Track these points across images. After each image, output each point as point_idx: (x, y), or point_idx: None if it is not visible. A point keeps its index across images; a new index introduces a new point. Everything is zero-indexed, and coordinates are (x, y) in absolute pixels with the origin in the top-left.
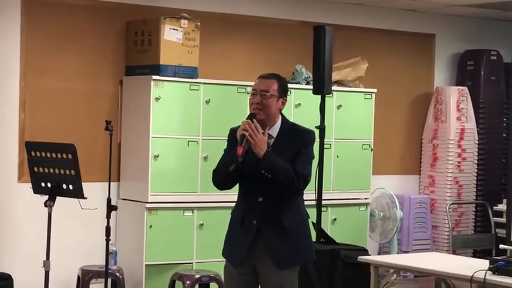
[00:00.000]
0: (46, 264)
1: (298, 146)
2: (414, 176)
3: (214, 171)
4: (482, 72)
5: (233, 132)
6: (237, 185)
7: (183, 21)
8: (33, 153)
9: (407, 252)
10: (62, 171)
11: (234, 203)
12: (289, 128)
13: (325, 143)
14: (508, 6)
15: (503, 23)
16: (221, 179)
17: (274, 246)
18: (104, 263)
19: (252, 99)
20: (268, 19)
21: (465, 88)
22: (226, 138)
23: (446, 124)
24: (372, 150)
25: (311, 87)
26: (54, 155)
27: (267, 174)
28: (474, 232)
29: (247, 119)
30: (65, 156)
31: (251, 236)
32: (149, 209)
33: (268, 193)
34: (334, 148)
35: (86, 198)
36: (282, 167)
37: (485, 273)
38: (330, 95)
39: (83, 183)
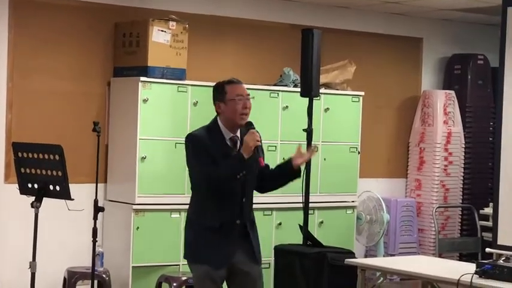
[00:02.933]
0: (32, 265)
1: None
2: (401, 180)
3: (217, 178)
4: (469, 77)
5: (198, 138)
6: (196, 192)
7: (171, 23)
8: (20, 154)
9: (393, 255)
10: (49, 172)
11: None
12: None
13: (312, 145)
14: (495, 11)
15: (490, 27)
16: (227, 185)
17: (255, 243)
18: (90, 265)
19: (244, 104)
20: (256, 21)
21: (452, 92)
22: (190, 144)
23: (433, 128)
24: (359, 153)
25: (299, 89)
26: (41, 156)
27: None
28: (460, 236)
29: (249, 127)
30: (52, 157)
31: (235, 236)
32: (136, 210)
33: (248, 193)
34: (321, 151)
35: (73, 199)
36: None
37: (472, 276)
38: (318, 98)
39: (70, 185)
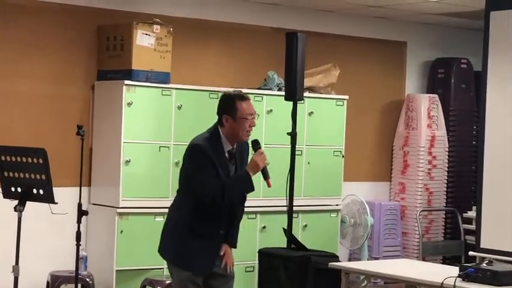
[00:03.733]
0: (15, 269)
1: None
2: (385, 183)
3: (226, 194)
4: (453, 80)
5: (204, 149)
6: (188, 198)
7: (155, 26)
8: (3, 158)
9: (377, 258)
10: (33, 176)
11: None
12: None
13: (296, 149)
14: (478, 16)
15: (473, 32)
16: (232, 199)
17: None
18: (74, 268)
19: (252, 123)
20: (241, 25)
21: (436, 96)
22: (196, 155)
23: (417, 131)
24: (343, 156)
25: (283, 93)
26: (24, 160)
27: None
28: (444, 239)
29: (256, 146)
30: (35, 160)
31: (218, 243)
32: (120, 214)
33: (236, 207)
34: (305, 154)
35: (56, 203)
36: None
37: (455, 280)
38: (302, 102)
39: (53, 188)
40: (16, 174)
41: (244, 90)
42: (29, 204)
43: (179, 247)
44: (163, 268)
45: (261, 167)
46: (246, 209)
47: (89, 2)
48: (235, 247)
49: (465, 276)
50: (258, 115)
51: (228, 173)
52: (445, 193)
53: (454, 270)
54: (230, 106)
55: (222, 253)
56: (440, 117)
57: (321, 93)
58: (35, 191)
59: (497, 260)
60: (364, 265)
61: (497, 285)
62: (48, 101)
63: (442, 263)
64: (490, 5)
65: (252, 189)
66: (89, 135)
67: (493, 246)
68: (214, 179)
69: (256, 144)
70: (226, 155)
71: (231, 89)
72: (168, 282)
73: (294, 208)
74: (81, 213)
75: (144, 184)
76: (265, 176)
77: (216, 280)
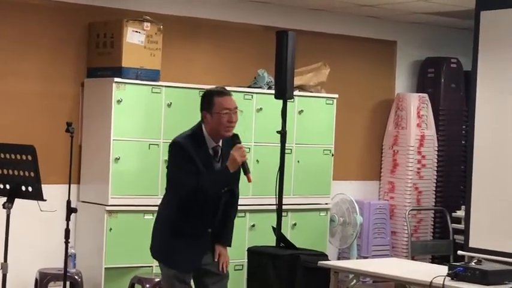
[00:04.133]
0: (3, 266)
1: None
2: (374, 182)
3: (201, 190)
4: (443, 80)
5: (184, 146)
6: (173, 196)
7: (145, 23)
8: None
9: (366, 257)
10: (22, 173)
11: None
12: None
13: (286, 147)
14: (468, 15)
15: (463, 31)
16: (209, 197)
17: (213, 247)
18: (62, 266)
19: (229, 118)
20: (231, 23)
21: (425, 95)
22: (175, 152)
23: (407, 131)
24: (332, 155)
25: (273, 91)
26: (13, 157)
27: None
28: (433, 238)
29: (235, 141)
30: (24, 157)
31: (206, 242)
32: (109, 211)
33: (223, 206)
34: (295, 153)
35: (45, 200)
36: None
37: (444, 279)
38: (292, 100)
39: (42, 185)
40: (5, 171)
41: (234, 89)
42: (17, 201)
43: (165, 245)
44: (152, 266)
45: (239, 161)
46: None
47: None
48: (229, 245)
49: (454, 275)
50: (241, 111)
51: (212, 170)
52: (434, 192)
53: (443, 269)
54: (208, 102)
55: (216, 258)
56: (430, 117)
57: (311, 91)
58: (23, 188)
59: (486, 259)
60: (354, 264)
61: (486, 284)
62: (38, 98)
63: (431, 263)
64: (480, 5)
65: (226, 184)
66: (78, 133)
67: (481, 246)
68: (192, 175)
69: (235, 139)
70: (211, 151)
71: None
72: (157, 280)
73: (284, 207)
74: (70, 210)
75: (133, 182)
76: (245, 171)
77: (210, 278)
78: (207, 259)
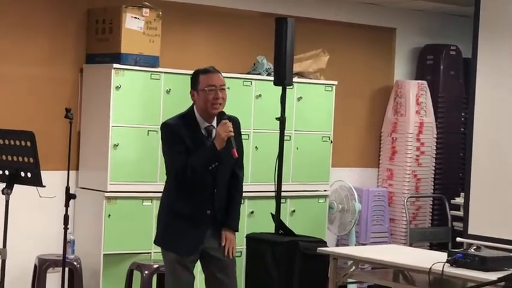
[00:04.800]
0: (2, 252)
1: (236, 132)
2: (373, 169)
3: (188, 168)
4: (442, 67)
5: (173, 127)
6: (170, 179)
7: (144, 9)
8: None
9: (365, 244)
10: (20, 159)
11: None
12: (219, 116)
13: (285, 134)
14: (468, 2)
15: (462, 18)
16: (199, 176)
17: (220, 231)
18: (61, 252)
19: (215, 95)
20: (230, 10)
21: (424, 82)
22: (163, 132)
23: (406, 118)
24: (331, 142)
25: (272, 78)
26: (12, 142)
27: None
28: (431, 225)
29: (222, 117)
30: (23, 143)
31: (206, 225)
32: (108, 198)
33: (220, 184)
34: (294, 140)
35: (44, 186)
36: None
37: (443, 265)
38: (291, 87)
39: (41, 171)
40: (4, 157)
41: (233, 75)
42: (16, 187)
43: (164, 228)
44: (151, 252)
45: (224, 136)
46: None
47: None
48: (236, 230)
49: (453, 261)
50: (229, 88)
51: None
52: (432, 180)
53: (442, 256)
54: (195, 80)
55: (222, 243)
56: (429, 104)
57: (310, 78)
58: (22, 174)
59: (485, 246)
60: (353, 250)
61: (485, 270)
62: (37, 84)
63: (430, 250)
64: None
65: (213, 161)
66: (77, 119)
67: (480, 233)
68: (181, 154)
69: (221, 116)
70: (203, 131)
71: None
72: (155, 266)
73: (282, 193)
74: (69, 196)
75: (132, 168)
76: (230, 146)
77: (216, 265)
78: (211, 243)
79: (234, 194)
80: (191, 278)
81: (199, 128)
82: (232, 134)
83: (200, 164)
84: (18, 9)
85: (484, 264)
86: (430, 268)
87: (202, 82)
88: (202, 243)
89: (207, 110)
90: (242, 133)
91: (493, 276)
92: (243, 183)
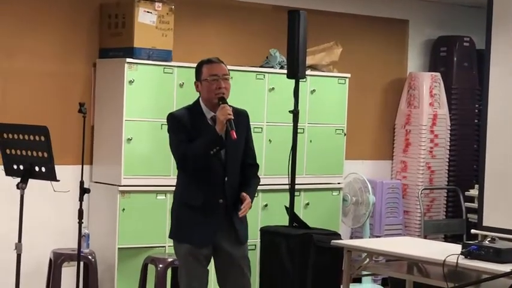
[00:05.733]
0: (18, 246)
1: (245, 125)
2: (386, 161)
3: (189, 155)
4: (455, 59)
5: (178, 117)
6: (178, 172)
7: (157, 4)
8: (5, 135)
9: (379, 237)
10: (35, 154)
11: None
12: None
13: (298, 127)
14: None
15: (475, 9)
16: (201, 162)
17: (237, 223)
18: (76, 246)
19: (217, 84)
20: (242, 3)
21: (438, 74)
22: (169, 123)
23: (419, 110)
24: (345, 135)
25: (285, 71)
26: (26, 137)
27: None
28: (445, 217)
29: (220, 102)
30: (37, 138)
31: (219, 215)
32: (122, 192)
33: (232, 172)
34: (307, 133)
35: (58, 180)
36: None
37: (458, 257)
38: (304, 80)
39: (55, 166)
40: (18, 152)
41: (246, 68)
42: (31, 181)
43: (176, 220)
44: (165, 246)
45: (223, 120)
46: None
47: None
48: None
49: (468, 253)
50: (232, 77)
51: None
52: (446, 171)
53: (457, 248)
54: (198, 71)
55: (243, 201)
56: (443, 96)
57: (323, 71)
58: (37, 168)
59: (499, 237)
60: (367, 243)
61: (500, 262)
62: (50, 79)
63: (444, 242)
64: None
65: (214, 145)
66: (90, 113)
67: (495, 224)
68: (183, 143)
69: (220, 101)
70: (210, 121)
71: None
72: (170, 260)
73: (296, 186)
74: (83, 191)
75: (145, 162)
76: (230, 128)
77: (228, 260)
78: (223, 237)
79: (252, 178)
80: (205, 271)
81: (206, 119)
82: (232, 117)
83: (200, 148)
84: (31, 5)
85: (498, 256)
86: (444, 260)
87: (205, 72)
88: (216, 236)
89: (210, 100)
90: (255, 126)
91: (507, 268)
92: None
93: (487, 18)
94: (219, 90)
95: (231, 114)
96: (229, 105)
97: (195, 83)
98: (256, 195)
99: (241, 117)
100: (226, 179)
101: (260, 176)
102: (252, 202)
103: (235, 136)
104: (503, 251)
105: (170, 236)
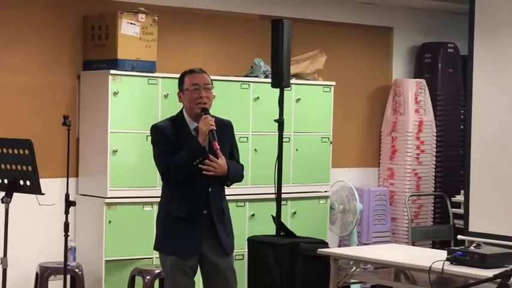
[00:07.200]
0: (3, 261)
1: (229, 135)
2: (373, 169)
3: (172, 167)
4: (440, 65)
5: (161, 129)
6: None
7: (140, 15)
8: None
9: (367, 244)
10: (19, 167)
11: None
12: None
13: (284, 136)
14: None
15: (459, 15)
16: (183, 173)
17: (222, 234)
18: (62, 260)
19: (198, 93)
20: (226, 13)
21: (423, 80)
22: (151, 134)
23: (405, 116)
24: (331, 143)
25: (270, 80)
26: (10, 151)
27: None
28: (433, 223)
29: (202, 113)
30: (21, 151)
31: (203, 226)
32: (108, 204)
33: (215, 183)
34: (293, 141)
35: (43, 194)
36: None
37: (443, 263)
38: (289, 88)
39: (40, 179)
40: (2, 166)
41: (231, 78)
42: (16, 195)
43: (160, 232)
44: (152, 258)
45: (205, 130)
46: (234, 197)
47: None
48: (228, 172)
49: (453, 259)
50: (214, 87)
51: None
52: (433, 178)
53: (443, 254)
54: (180, 82)
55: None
56: (428, 102)
57: (307, 79)
58: (21, 182)
59: (485, 243)
60: (354, 251)
61: (485, 267)
62: (34, 92)
63: (432, 248)
64: None
65: (196, 156)
66: (75, 126)
67: (481, 230)
68: (166, 155)
69: (202, 112)
70: (193, 132)
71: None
72: (157, 271)
73: (283, 195)
74: (69, 204)
75: (131, 174)
76: (212, 139)
77: (214, 270)
78: (207, 248)
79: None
80: (191, 283)
81: (189, 129)
82: (214, 127)
83: (183, 159)
84: (14, 17)
85: (483, 261)
86: (430, 267)
87: (187, 82)
88: (201, 247)
89: (193, 110)
90: (241, 136)
91: (492, 273)
92: (242, 186)
93: (469, 24)
94: (200, 100)
95: (213, 124)
96: (213, 116)
97: (178, 93)
98: (243, 204)
99: (225, 127)
100: (210, 189)
101: (246, 186)
102: (227, 175)
103: (217, 146)
104: (488, 257)
105: (155, 248)
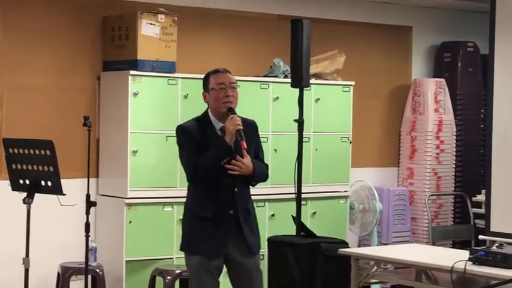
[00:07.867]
0: (26, 261)
1: (254, 135)
2: (393, 168)
3: (199, 167)
4: (459, 64)
5: (186, 129)
6: (188, 184)
7: (160, 16)
8: (11, 150)
9: (387, 244)
10: (41, 168)
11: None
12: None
13: (303, 136)
14: None
15: (479, 14)
16: (211, 173)
17: (248, 234)
18: (83, 260)
19: (225, 92)
20: (245, 13)
21: (442, 80)
22: (177, 135)
23: (424, 116)
24: (350, 143)
25: (289, 80)
26: (32, 152)
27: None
28: (453, 223)
29: (229, 113)
30: (43, 152)
31: (229, 226)
32: (128, 204)
33: (241, 182)
34: (312, 141)
35: (65, 194)
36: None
37: (466, 263)
38: (308, 88)
39: (61, 180)
40: (24, 167)
41: (250, 78)
42: (37, 196)
43: (186, 232)
44: (172, 258)
45: (232, 130)
46: (254, 197)
47: None
48: (254, 172)
49: (475, 259)
50: (239, 86)
51: None
52: (453, 177)
53: (465, 254)
54: (205, 82)
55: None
56: (448, 102)
57: (327, 79)
58: (43, 183)
59: (507, 243)
60: (374, 251)
61: (508, 267)
62: (55, 93)
63: (452, 248)
64: None
65: (224, 156)
66: (95, 126)
67: (503, 230)
68: (193, 155)
69: (228, 112)
70: (219, 132)
71: None
72: (177, 271)
73: (303, 195)
74: (90, 204)
75: (151, 174)
76: (240, 138)
77: (240, 271)
78: (234, 248)
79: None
80: (215, 284)
81: (215, 129)
82: (241, 127)
83: (211, 159)
84: (34, 20)
85: (506, 261)
86: (452, 267)
87: (212, 82)
88: (226, 247)
89: (219, 109)
90: (261, 136)
91: None
92: (262, 187)
93: (490, 23)
94: (227, 99)
95: (240, 124)
96: (238, 116)
97: (203, 94)
98: (263, 204)
99: (249, 127)
100: (236, 189)
101: (266, 186)
102: (253, 175)
103: (245, 146)
104: (510, 257)
105: (181, 248)
